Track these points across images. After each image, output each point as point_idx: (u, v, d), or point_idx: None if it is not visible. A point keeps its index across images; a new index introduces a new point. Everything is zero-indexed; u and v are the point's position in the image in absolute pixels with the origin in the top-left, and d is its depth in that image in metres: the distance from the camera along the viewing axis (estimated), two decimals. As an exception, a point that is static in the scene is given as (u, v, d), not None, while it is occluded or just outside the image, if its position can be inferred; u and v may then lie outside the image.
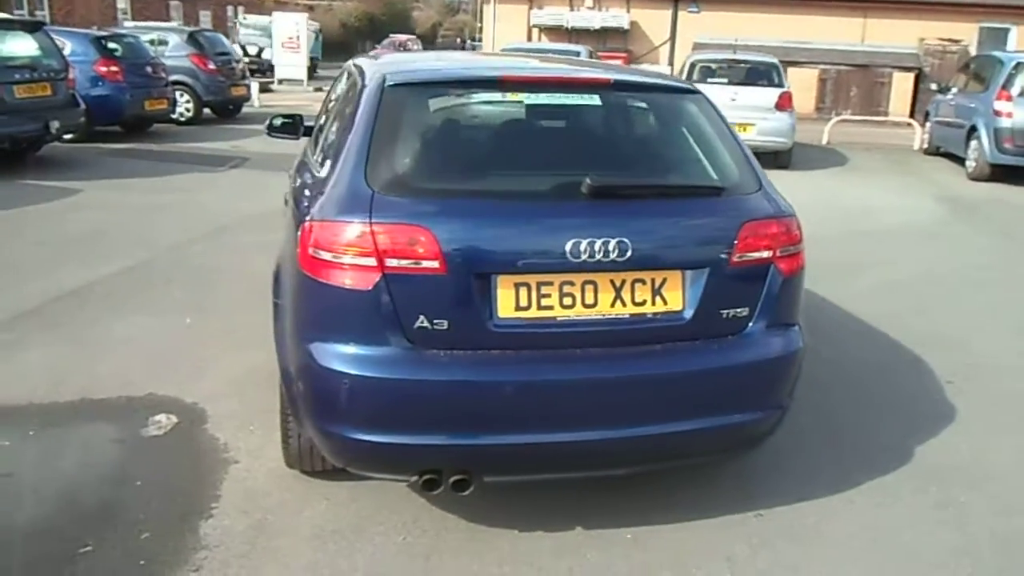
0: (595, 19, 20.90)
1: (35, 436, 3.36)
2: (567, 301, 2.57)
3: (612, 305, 2.60)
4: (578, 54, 12.49)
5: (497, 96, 3.07)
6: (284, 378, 2.82)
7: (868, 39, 19.73)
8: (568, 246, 2.51)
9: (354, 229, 2.48)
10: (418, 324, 2.48)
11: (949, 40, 18.92)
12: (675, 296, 2.66)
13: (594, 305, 2.59)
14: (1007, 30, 18.88)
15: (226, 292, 5.23)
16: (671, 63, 20.98)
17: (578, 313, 2.58)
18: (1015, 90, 10.33)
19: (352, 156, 2.65)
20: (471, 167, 2.83)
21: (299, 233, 2.65)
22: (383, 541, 2.79)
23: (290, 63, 22.02)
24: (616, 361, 2.62)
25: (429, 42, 61.17)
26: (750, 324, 2.77)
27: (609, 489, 3.06)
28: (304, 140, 4.62)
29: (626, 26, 21.17)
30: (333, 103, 3.92)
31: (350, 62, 3.96)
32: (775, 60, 12.07)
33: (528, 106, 3.05)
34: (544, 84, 3.05)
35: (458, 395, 2.52)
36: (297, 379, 2.68)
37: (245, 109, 15.14)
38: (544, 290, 2.55)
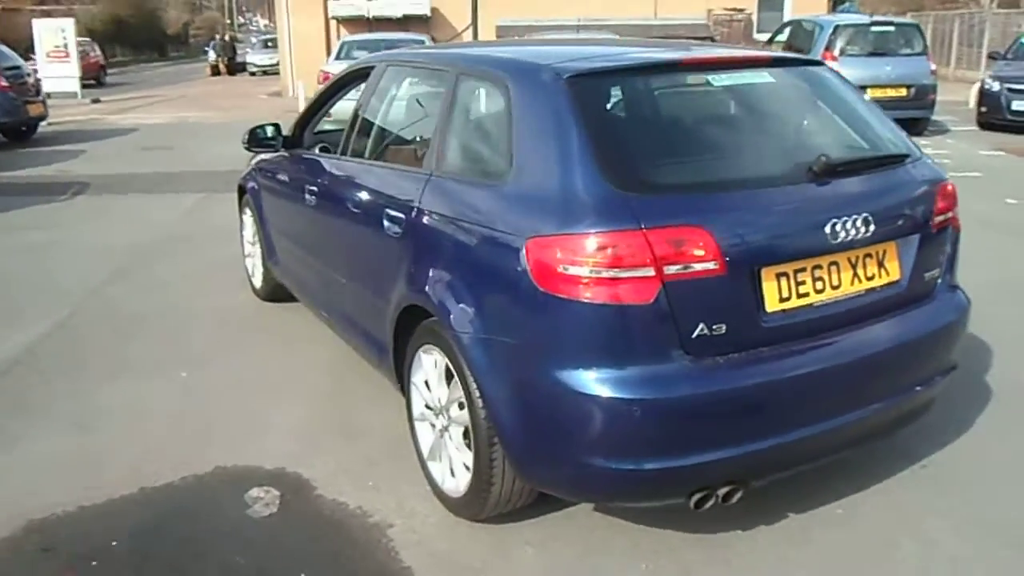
0: (397, 7, 20.44)
1: (123, 546, 2.68)
2: (819, 285, 2.45)
3: (852, 283, 2.52)
4: (422, 42, 12.11)
5: (679, 80, 2.80)
6: (498, 417, 2.42)
7: (660, 12, 20.84)
8: (828, 228, 2.38)
9: (623, 238, 2.17)
10: (697, 332, 2.23)
11: (734, 9, 20.43)
12: (894, 266, 2.64)
13: (838, 286, 2.50)
14: (781, -2, 20.73)
15: (191, 335, 4.52)
16: (476, 47, 21.00)
17: (829, 296, 2.47)
18: (836, 51, 11.30)
19: (568, 157, 2.34)
20: (703, 156, 2.60)
21: (521, 251, 2.29)
22: (623, 567, 2.53)
23: (59, 75, 19.58)
24: (864, 340, 2.54)
25: (182, 42, 57.33)
26: (937, 285, 2.79)
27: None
28: (275, 152, 4.28)
29: (428, 12, 20.90)
30: (385, 103, 3.49)
31: (383, 63, 3.54)
32: (614, 35, 12.36)
33: (711, 89, 2.82)
34: (723, 64, 2.84)
35: (741, 402, 2.31)
36: (540, 414, 2.33)
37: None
38: (800, 277, 2.42)
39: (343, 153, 3.57)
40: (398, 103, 3.49)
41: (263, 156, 4.93)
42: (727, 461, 2.31)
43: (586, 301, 2.19)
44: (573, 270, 2.19)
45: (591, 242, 2.18)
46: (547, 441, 2.35)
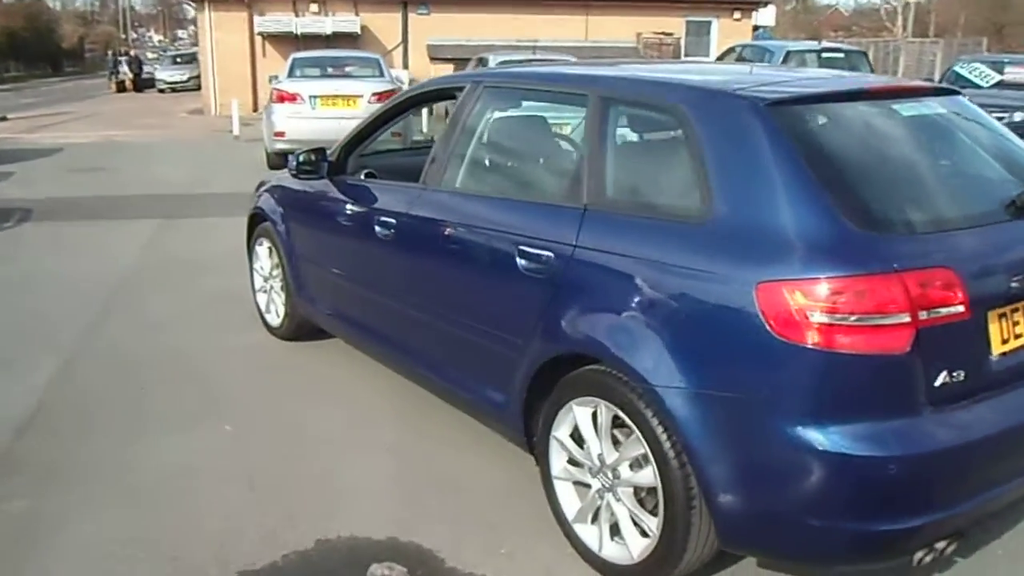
0: (326, 24, 19.91)
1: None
2: (1025, 324, 2.29)
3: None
4: (377, 61, 11.74)
5: (869, 109, 2.61)
6: (708, 477, 2.17)
7: (591, 36, 21.01)
8: None
9: (879, 282, 1.97)
10: (940, 381, 2.06)
11: (663, 33, 20.78)
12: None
13: (1041, 323, 2.34)
14: (709, 23, 21.22)
15: (217, 381, 4.06)
16: (406, 66, 20.69)
17: (1036, 334, 2.31)
18: (788, 74, 11.51)
19: (794, 193, 2.14)
20: (924, 191, 2.41)
21: (750, 296, 2.05)
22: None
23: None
24: None
25: (78, 57, 54.66)
26: None
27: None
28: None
29: (357, 30, 20.43)
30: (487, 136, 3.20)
31: (476, 83, 3.24)
32: (572, 59, 12.29)
33: (898, 120, 2.63)
34: (906, 93, 2.68)
35: (983, 452, 2.15)
36: (769, 474, 2.11)
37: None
38: (1015, 317, 2.26)
39: (429, 183, 3.24)
40: (507, 128, 3.19)
41: (279, 182, 4.54)
42: (963, 514, 2.13)
43: (834, 350, 1.97)
44: (819, 317, 1.97)
45: (843, 286, 1.96)
46: (775, 502, 2.11)
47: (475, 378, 3.00)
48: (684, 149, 2.38)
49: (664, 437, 2.25)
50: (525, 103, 3.23)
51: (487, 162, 3.17)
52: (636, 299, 2.33)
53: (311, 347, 4.50)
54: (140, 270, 6.13)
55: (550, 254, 2.58)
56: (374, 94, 10.51)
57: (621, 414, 2.38)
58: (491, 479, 3.11)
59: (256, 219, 4.70)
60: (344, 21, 20.26)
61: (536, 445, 2.78)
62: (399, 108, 3.68)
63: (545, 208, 2.71)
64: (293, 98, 10.25)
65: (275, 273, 4.55)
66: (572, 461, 2.64)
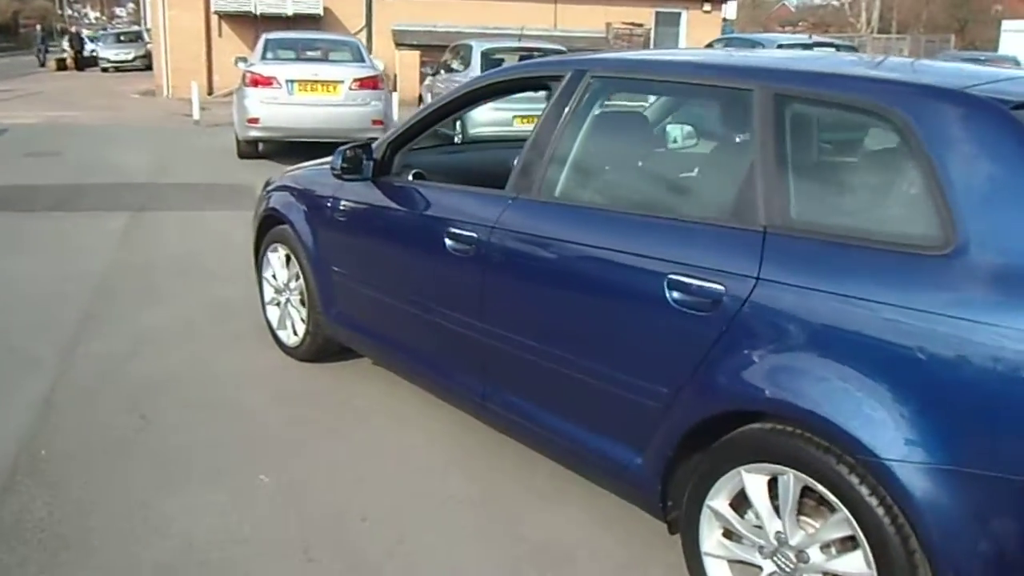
0: (287, 5, 19.03)
1: None
2: None
3: None
4: (357, 46, 11.07)
5: None
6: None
7: (560, 24, 20.52)
8: None
9: None
10: None
11: (633, 24, 20.40)
12: None
13: None
14: (679, 13, 20.92)
15: (234, 416, 3.48)
16: (370, 51, 19.87)
17: None
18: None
19: None
20: None
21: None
22: None
23: None
24: None
25: (12, 33, 51.99)
26: None
27: None
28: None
29: (320, 12, 19.60)
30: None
31: (580, 71, 2.71)
32: (562, 48, 11.82)
33: None
34: None
35: None
36: None
37: None
38: None
39: (520, 191, 2.71)
40: (629, 127, 2.69)
41: (297, 180, 3.97)
42: None
43: None
44: None
45: None
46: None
47: (591, 430, 2.50)
48: (905, 160, 1.93)
49: (887, 520, 1.80)
50: (653, 98, 2.72)
51: (605, 169, 2.67)
52: (851, 349, 1.86)
53: (335, 370, 3.94)
54: (119, 274, 5.45)
55: (719, 287, 2.09)
56: (355, 80, 9.87)
57: (820, 488, 1.92)
58: (598, 543, 2.63)
59: (268, 222, 4.11)
60: (306, 2, 19.40)
61: (676, 512, 2.30)
62: (464, 100, 3.14)
63: (705, 230, 2.21)
64: (268, 82, 9.53)
65: (293, 285, 3.97)
66: (730, 535, 2.17)
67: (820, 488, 1.92)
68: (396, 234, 3.20)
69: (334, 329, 3.74)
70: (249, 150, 10.14)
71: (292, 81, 9.60)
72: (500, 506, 2.84)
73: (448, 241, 2.87)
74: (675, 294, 2.17)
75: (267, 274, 4.18)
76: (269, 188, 4.21)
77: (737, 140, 2.39)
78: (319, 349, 3.92)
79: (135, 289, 5.10)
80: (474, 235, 2.77)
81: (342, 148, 3.26)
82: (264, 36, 10.62)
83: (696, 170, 2.52)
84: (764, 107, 2.17)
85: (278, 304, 4.15)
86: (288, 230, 3.89)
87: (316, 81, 9.69)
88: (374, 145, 3.35)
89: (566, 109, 2.65)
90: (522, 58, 11.41)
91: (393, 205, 3.22)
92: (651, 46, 21.34)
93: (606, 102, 2.69)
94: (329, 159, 4.41)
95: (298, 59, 10.29)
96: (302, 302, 3.94)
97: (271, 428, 3.37)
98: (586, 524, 2.73)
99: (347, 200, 3.48)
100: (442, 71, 13.11)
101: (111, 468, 3.02)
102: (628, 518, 2.67)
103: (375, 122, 10.05)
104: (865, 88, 2.09)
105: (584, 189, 2.64)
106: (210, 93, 18.74)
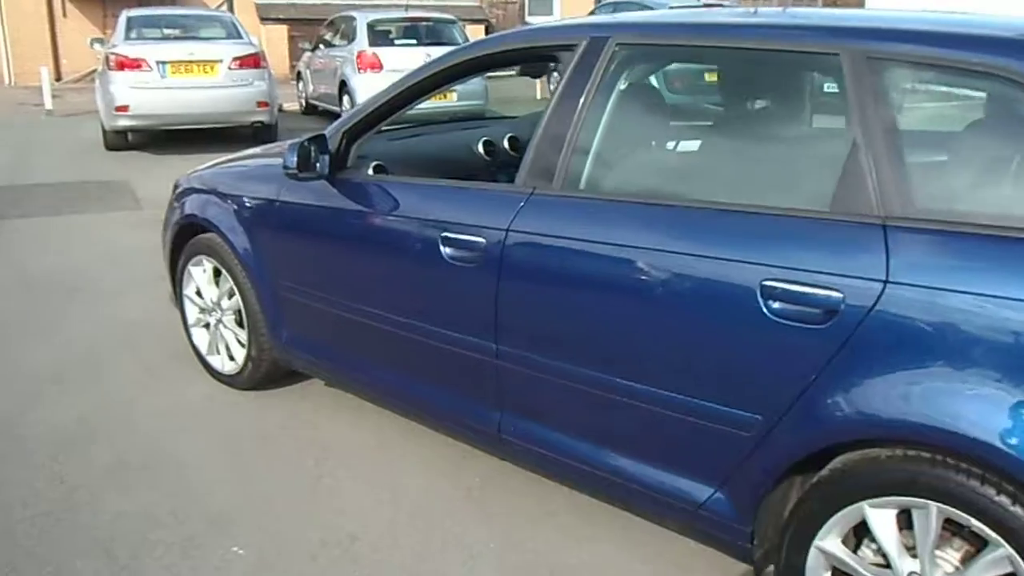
0: (139, -21, 17.44)
1: None
2: None
3: None
4: (232, 23, 10.13)
5: None
6: None
7: (431, -8, 19.77)
8: None
9: None
10: None
11: (508, -10, 19.93)
12: None
13: None
14: (553, -18, 20.57)
15: (169, 470, 2.91)
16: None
17: None
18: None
19: None
20: None
21: None
22: None
23: None
24: None
25: None
26: None
27: None
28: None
29: (177, -15, 18.08)
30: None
31: (603, 38, 2.25)
32: (452, 17, 11.25)
33: None
34: None
35: None
36: None
37: None
38: None
39: (537, 184, 2.26)
40: (678, 105, 2.26)
41: (224, 177, 3.37)
42: None
43: None
44: None
45: None
46: None
47: (653, 464, 2.11)
48: None
49: None
50: (698, 68, 2.31)
51: (654, 155, 2.24)
52: (1008, 360, 1.55)
53: (283, 398, 3.39)
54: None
55: (835, 295, 1.72)
56: (235, 59, 9.02)
57: (974, 522, 1.61)
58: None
59: (186, 231, 3.48)
60: (160, -26, 17.85)
61: (763, 550, 1.96)
62: (440, 77, 2.63)
63: (806, 224, 1.83)
64: (137, 64, 8.55)
65: (226, 304, 3.38)
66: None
67: (973, 522, 1.61)
68: (370, 243, 2.68)
69: (286, 354, 3.18)
70: (118, 141, 9.14)
71: (164, 63, 8.67)
72: (528, 554, 2.42)
73: (445, 249, 2.39)
74: (773, 304, 1.80)
75: (189, 291, 3.56)
76: (181, 189, 3.57)
77: (824, 114, 2.03)
78: (264, 376, 3.36)
79: (15, 317, 4.32)
80: (480, 241, 2.30)
81: (292, 143, 2.69)
82: (125, 13, 9.54)
83: (775, 152, 2.13)
84: (857, 73, 1.81)
85: (206, 326, 3.54)
86: (216, 240, 3.28)
87: (191, 61, 8.79)
88: (328, 135, 2.80)
89: (588, 85, 2.20)
90: (408, 30, 10.82)
91: (362, 208, 2.70)
92: (525, 13, 21.03)
93: (638, 75, 2.27)
94: (251, 151, 3.86)
95: (167, 38, 9.32)
96: (239, 323, 3.36)
97: (226, 481, 2.80)
98: (625, 564, 2.35)
99: (297, 203, 2.92)
100: (321, 46, 12.31)
101: (32, 556, 2.40)
102: (673, 551, 2.31)
103: (260, 104, 9.26)
104: (987, 47, 1.76)
105: (626, 180, 2.22)
106: (58, 79, 17.02)
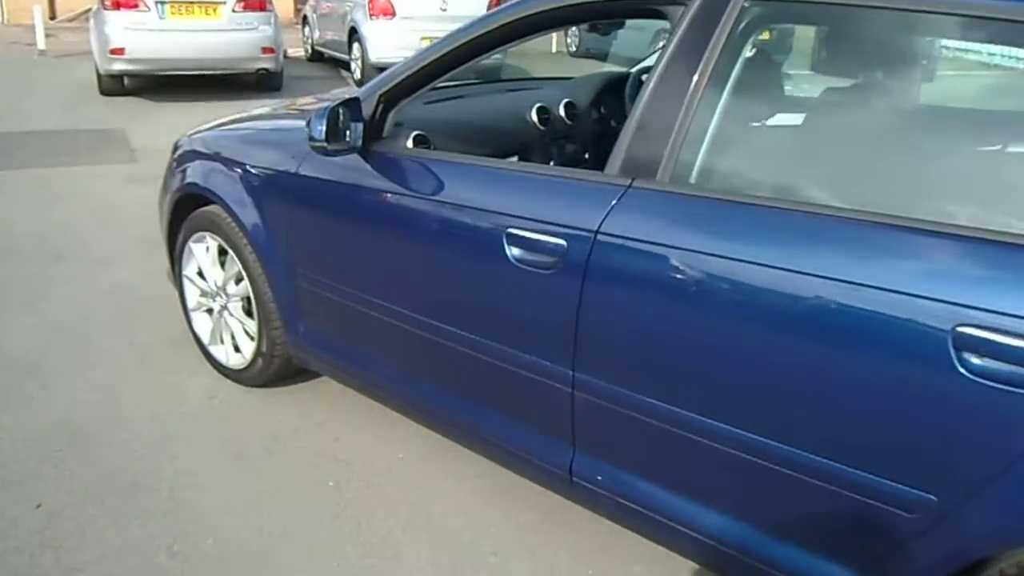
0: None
1: None
2: None
3: None
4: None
5: None
6: None
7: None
8: None
9: None
10: None
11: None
12: None
13: None
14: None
15: (177, 502, 2.47)
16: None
17: None
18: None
19: None
20: None
21: None
22: None
23: None
24: None
25: None
26: None
27: None
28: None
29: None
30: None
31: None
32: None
33: None
34: None
35: None
36: None
37: None
38: None
39: (637, 173, 1.78)
40: (828, 82, 1.76)
41: (230, 139, 2.90)
42: None
43: None
44: None
45: None
46: None
47: (767, 532, 1.67)
48: None
49: None
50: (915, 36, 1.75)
51: (787, 143, 1.75)
52: None
53: (295, 397, 2.96)
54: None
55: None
56: (239, 1, 8.42)
57: None
58: None
59: (187, 202, 3.00)
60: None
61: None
62: (517, 28, 2.07)
63: (1012, 253, 1.36)
64: (134, 4, 7.96)
65: (233, 289, 2.92)
66: None
67: None
68: (413, 234, 2.20)
69: (302, 352, 2.73)
70: (113, 86, 8.58)
71: (163, 3, 8.08)
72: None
73: (511, 249, 1.92)
74: (970, 358, 1.33)
75: (189, 271, 3.09)
76: (182, 152, 3.08)
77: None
78: (276, 373, 2.92)
79: (-7, 286, 3.86)
80: (559, 243, 1.83)
81: (322, 109, 2.19)
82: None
83: (979, 155, 1.63)
84: None
85: (209, 312, 3.09)
86: (221, 215, 2.81)
87: (192, 2, 8.20)
88: (361, 97, 2.30)
89: (706, 53, 1.71)
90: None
91: (403, 190, 2.21)
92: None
93: (775, 41, 1.78)
94: (261, 111, 3.35)
95: (167, -25, 8.69)
96: (247, 311, 2.90)
97: (233, 515, 2.37)
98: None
99: (322, 178, 2.43)
100: (331, -16, 11.65)
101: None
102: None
103: (265, 50, 8.69)
104: None
105: (758, 176, 1.73)
106: (52, 17, 16.32)
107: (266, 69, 8.75)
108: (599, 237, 1.77)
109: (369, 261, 2.37)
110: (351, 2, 10.39)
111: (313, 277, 2.54)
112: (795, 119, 1.78)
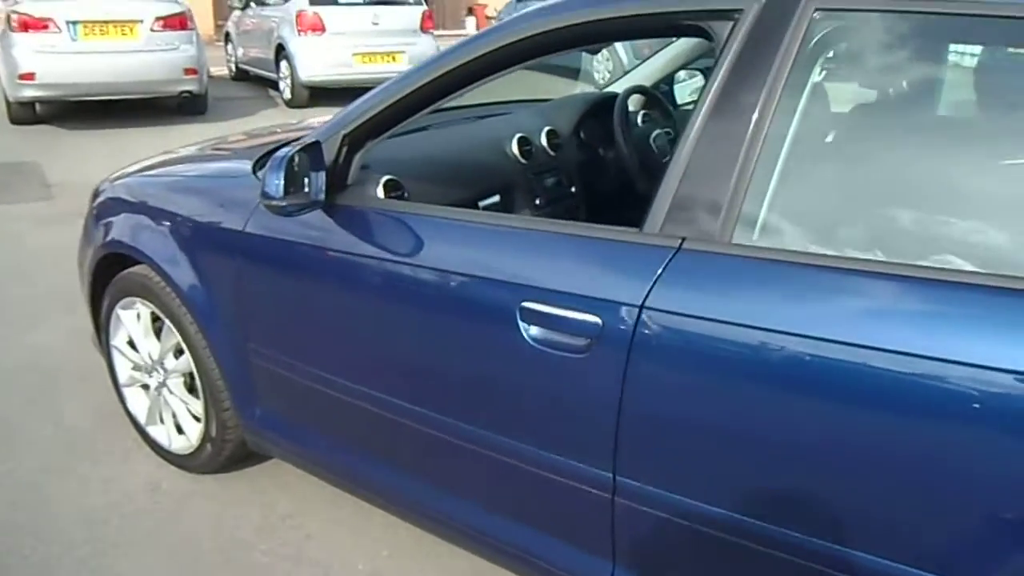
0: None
1: None
2: None
3: None
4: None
5: None
6: None
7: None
8: None
9: None
10: None
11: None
12: None
13: None
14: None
15: None
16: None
17: None
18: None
19: None
20: None
21: None
22: None
23: None
24: None
25: None
26: None
27: None
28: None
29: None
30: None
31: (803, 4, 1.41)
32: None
33: None
34: None
35: None
36: None
37: None
38: None
39: (689, 233, 1.42)
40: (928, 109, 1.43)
41: (161, 193, 2.46)
42: None
43: None
44: None
45: None
46: None
47: None
48: None
49: None
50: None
51: (883, 189, 1.40)
52: None
53: (252, 480, 2.53)
54: None
55: None
56: (158, 19, 7.86)
57: None
58: None
59: (112, 260, 2.54)
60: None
61: None
62: (511, 53, 1.68)
63: None
64: (43, 25, 7.33)
65: (172, 364, 2.48)
66: None
67: None
68: (396, 307, 1.80)
69: (258, 438, 2.31)
70: (24, 114, 7.92)
71: (75, 23, 7.47)
72: None
73: (527, 328, 1.55)
74: None
75: (118, 341, 2.64)
76: (104, 200, 2.62)
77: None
78: (228, 459, 2.48)
79: None
80: (595, 321, 1.47)
81: (276, 160, 1.78)
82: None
83: None
84: None
85: (145, 387, 2.64)
86: (153, 277, 2.37)
87: (107, 22, 7.60)
88: (321, 140, 1.90)
89: (768, 78, 1.37)
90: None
91: (380, 252, 1.82)
92: None
93: (854, 59, 1.44)
94: (190, 150, 2.89)
95: (77, -7, 8.09)
96: (190, 389, 2.47)
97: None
98: None
99: (276, 237, 2.01)
100: (252, 4, 11.09)
101: None
102: None
103: (188, 71, 8.14)
104: None
105: (851, 232, 1.39)
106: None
107: (189, 91, 8.20)
108: (644, 313, 1.41)
109: (340, 337, 1.97)
110: (277, 17, 9.88)
111: (268, 354, 2.13)
112: (888, 158, 1.45)
